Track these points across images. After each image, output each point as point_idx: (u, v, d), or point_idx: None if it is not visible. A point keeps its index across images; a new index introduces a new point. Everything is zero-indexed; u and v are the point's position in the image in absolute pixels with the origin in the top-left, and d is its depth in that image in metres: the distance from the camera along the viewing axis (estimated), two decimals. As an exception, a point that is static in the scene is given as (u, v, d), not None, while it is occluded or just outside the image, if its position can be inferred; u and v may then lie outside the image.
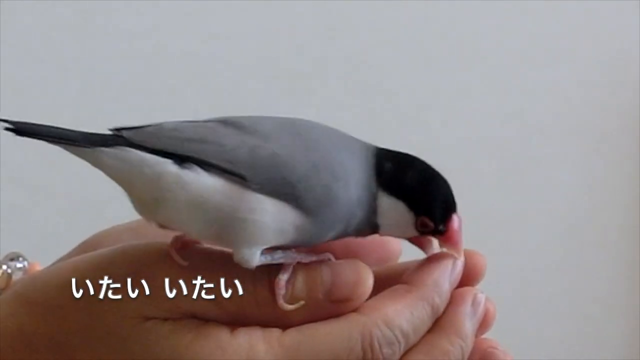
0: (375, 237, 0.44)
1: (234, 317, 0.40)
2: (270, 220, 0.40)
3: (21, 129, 0.40)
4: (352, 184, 0.41)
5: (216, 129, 0.42)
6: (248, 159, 0.40)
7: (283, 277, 0.40)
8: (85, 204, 1.12)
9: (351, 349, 0.39)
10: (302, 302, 0.40)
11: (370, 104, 1.21)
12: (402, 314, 0.40)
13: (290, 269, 0.40)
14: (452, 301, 0.42)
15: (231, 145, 0.41)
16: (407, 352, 0.41)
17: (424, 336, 0.41)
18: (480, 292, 0.43)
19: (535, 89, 1.27)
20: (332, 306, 0.40)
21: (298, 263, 0.40)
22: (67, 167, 1.11)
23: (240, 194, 0.40)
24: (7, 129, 0.40)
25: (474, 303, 0.42)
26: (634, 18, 1.29)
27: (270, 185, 0.40)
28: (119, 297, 0.40)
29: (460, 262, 0.43)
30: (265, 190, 0.40)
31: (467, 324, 0.42)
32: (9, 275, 0.50)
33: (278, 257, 0.40)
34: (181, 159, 0.40)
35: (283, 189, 0.40)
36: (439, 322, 0.42)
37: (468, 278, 0.43)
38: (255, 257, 0.40)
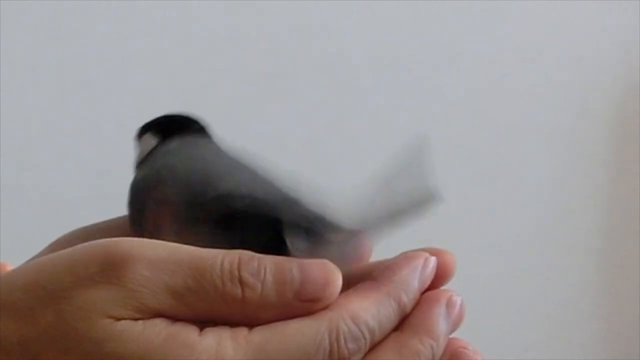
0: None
1: (203, 317, 0.40)
2: None
3: None
4: None
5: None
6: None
7: None
8: (55, 204, 1.11)
9: (319, 344, 0.40)
10: None
11: (342, 105, 1.21)
12: (368, 310, 0.41)
13: None
14: (426, 301, 0.42)
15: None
16: (375, 350, 0.41)
17: (394, 335, 0.42)
18: (457, 294, 0.43)
19: (507, 89, 1.27)
20: (301, 305, 0.40)
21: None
22: (37, 167, 1.11)
23: None
24: None
25: (449, 304, 0.42)
26: (606, 19, 1.30)
27: None
28: (87, 296, 0.40)
29: (432, 261, 0.43)
30: None
31: (440, 324, 0.42)
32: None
33: None
34: None
35: None
36: (411, 322, 0.42)
37: (437, 277, 0.43)
38: None
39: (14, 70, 1.10)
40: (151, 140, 0.50)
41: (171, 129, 0.50)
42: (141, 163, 0.50)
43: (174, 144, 0.49)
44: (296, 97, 1.20)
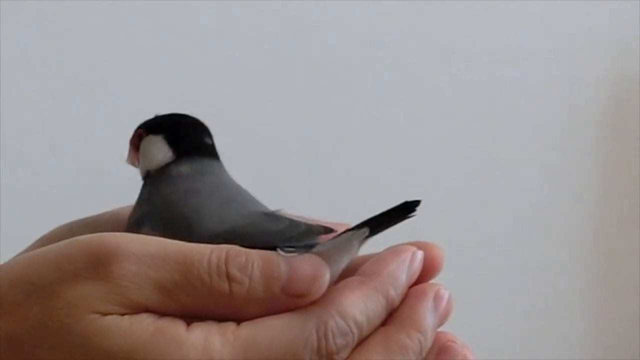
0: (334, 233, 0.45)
1: (190, 312, 0.40)
2: None
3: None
4: None
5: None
6: None
7: None
8: (54, 203, 1.11)
9: (306, 340, 0.39)
10: None
11: (337, 103, 1.21)
12: (356, 305, 0.40)
13: None
14: (414, 295, 0.42)
15: None
16: (363, 345, 0.41)
17: (382, 330, 0.41)
18: (445, 288, 0.43)
19: (500, 87, 1.27)
20: (289, 300, 0.40)
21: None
22: (27, 165, 1.11)
23: None
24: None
25: (437, 298, 0.42)
26: (596, 16, 1.30)
27: None
28: (74, 291, 0.39)
29: (419, 255, 0.43)
30: None
31: (428, 318, 0.42)
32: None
33: None
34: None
35: None
36: (398, 316, 0.42)
37: (425, 271, 0.43)
38: None
39: (11, 69, 1.10)
40: (164, 148, 0.50)
41: (183, 141, 0.50)
42: (151, 176, 0.50)
43: (184, 167, 0.49)
44: (292, 95, 1.20)
